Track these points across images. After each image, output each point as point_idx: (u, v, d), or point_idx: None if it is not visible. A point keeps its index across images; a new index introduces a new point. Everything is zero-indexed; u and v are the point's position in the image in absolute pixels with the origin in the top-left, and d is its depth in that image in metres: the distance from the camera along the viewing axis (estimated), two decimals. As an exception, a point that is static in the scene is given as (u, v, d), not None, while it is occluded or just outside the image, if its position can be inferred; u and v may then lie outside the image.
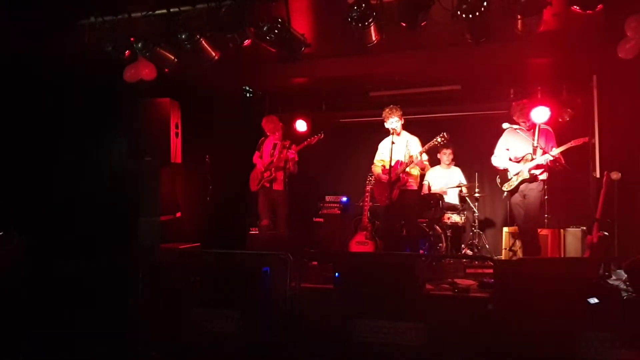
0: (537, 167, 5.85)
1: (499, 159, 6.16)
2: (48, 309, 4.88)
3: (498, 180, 6.20)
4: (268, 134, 7.11)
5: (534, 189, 5.88)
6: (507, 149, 6.11)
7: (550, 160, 5.77)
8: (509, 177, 6.02)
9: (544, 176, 5.92)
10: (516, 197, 6.02)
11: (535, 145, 5.85)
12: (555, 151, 5.76)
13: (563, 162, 5.81)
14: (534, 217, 6.02)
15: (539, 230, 6.55)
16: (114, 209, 5.86)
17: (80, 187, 5.68)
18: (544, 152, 5.78)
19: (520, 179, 5.90)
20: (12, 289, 4.67)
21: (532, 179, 5.85)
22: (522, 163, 5.92)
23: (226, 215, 7.47)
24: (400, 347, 4.09)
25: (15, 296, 4.68)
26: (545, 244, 6.39)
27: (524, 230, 6.09)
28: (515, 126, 6.03)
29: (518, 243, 6.76)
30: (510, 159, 6.06)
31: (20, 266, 4.77)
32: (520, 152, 5.99)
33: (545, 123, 6.10)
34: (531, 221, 5.99)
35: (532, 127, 5.98)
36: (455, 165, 7.95)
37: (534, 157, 5.84)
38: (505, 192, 6.12)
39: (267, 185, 6.90)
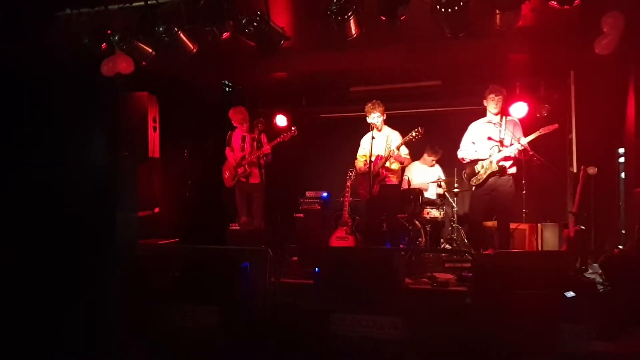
0: (506, 159, 5.75)
1: (465, 152, 6.02)
2: (25, 307, 4.81)
3: (464, 175, 6.09)
4: (236, 125, 7.02)
5: (504, 185, 5.78)
6: (473, 142, 5.98)
7: (520, 151, 5.66)
8: (477, 171, 5.87)
9: (513, 170, 5.82)
10: (482, 191, 5.88)
11: (502, 136, 5.77)
12: (524, 140, 5.65)
13: (531, 152, 5.70)
14: (508, 210, 5.98)
15: (516, 224, 6.61)
16: (90, 205, 5.77)
17: (56, 183, 5.58)
18: (512, 144, 5.70)
19: (488, 172, 5.77)
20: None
21: (501, 171, 5.74)
22: (490, 155, 5.80)
23: (205, 211, 7.41)
24: (379, 341, 4.11)
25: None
26: (523, 238, 6.45)
27: (501, 222, 6.00)
28: (482, 120, 5.99)
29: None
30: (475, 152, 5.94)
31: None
32: (486, 145, 5.86)
33: (523, 118, 6.11)
34: (507, 215, 5.96)
35: (499, 118, 5.89)
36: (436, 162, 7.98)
37: (501, 148, 5.74)
38: (474, 187, 5.98)
39: (244, 180, 6.87)
